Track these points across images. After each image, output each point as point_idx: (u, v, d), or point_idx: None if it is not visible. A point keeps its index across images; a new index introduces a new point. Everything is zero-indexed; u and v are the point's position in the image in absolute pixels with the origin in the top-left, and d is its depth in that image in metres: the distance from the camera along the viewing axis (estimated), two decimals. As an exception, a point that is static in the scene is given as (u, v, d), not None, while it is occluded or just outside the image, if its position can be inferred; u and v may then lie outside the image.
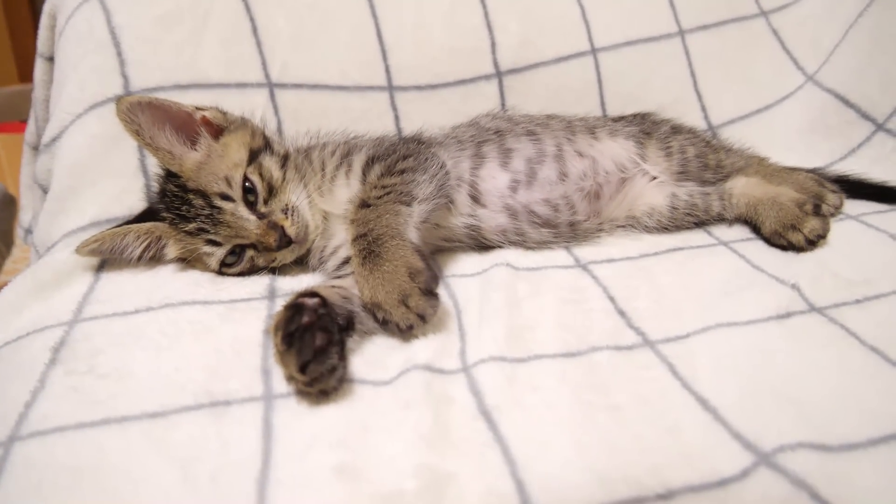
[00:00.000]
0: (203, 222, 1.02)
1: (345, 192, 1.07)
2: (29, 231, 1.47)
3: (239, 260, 1.05)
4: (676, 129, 1.35)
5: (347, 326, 0.87)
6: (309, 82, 1.36)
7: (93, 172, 1.21)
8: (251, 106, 1.24)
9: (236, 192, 1.02)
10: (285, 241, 1.02)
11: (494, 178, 1.16)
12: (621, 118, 1.41)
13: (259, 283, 1.04)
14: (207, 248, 1.04)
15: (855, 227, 1.20)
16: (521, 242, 1.15)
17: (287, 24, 1.37)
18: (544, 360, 0.84)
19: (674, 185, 1.26)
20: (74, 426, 0.72)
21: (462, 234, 1.14)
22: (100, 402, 0.76)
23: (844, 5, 1.65)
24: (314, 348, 0.75)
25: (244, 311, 0.95)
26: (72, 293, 1.00)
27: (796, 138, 1.57)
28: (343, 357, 0.80)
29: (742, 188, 1.26)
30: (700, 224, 1.25)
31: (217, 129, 1.09)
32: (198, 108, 1.08)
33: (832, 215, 1.24)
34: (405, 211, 0.96)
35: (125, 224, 1.09)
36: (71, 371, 0.81)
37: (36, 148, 1.46)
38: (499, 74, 1.47)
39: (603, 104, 1.53)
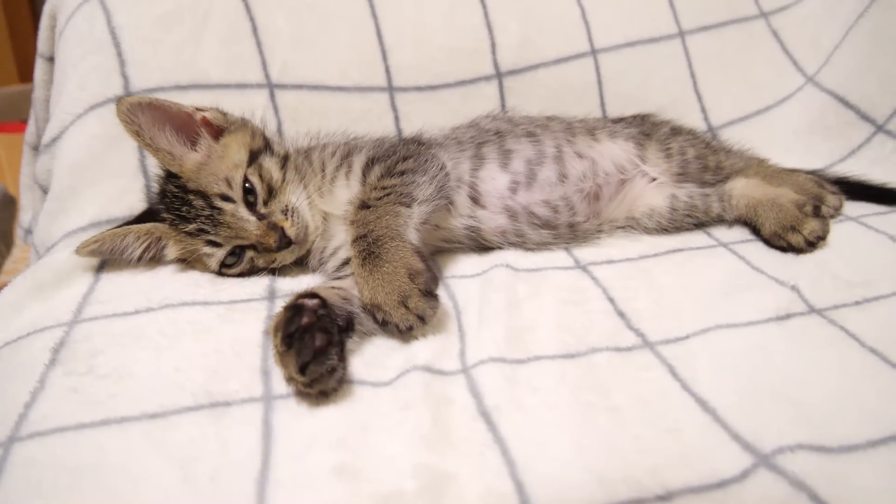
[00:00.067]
0: (203, 223, 1.02)
1: (345, 193, 1.07)
2: (29, 231, 1.47)
3: (239, 261, 1.05)
4: (676, 131, 1.35)
5: (347, 327, 0.88)
6: (309, 83, 1.36)
7: (93, 173, 1.21)
8: (251, 106, 1.24)
9: (236, 193, 1.02)
10: (285, 242, 1.02)
11: (494, 180, 1.16)
12: (621, 119, 1.41)
13: (259, 283, 1.04)
14: (207, 249, 1.04)
15: (854, 228, 1.20)
16: (521, 243, 1.15)
17: (287, 24, 1.37)
18: (544, 361, 0.84)
19: (673, 186, 1.26)
20: (74, 427, 0.72)
21: (462, 235, 1.14)
22: (99, 402, 0.76)
23: (844, 6, 1.65)
24: (314, 349, 0.75)
25: (244, 311, 0.95)
26: (72, 294, 1.00)
27: (796, 139, 1.58)
28: (343, 358, 0.80)
29: (742, 189, 1.26)
30: (700, 225, 1.25)
31: (217, 130, 1.09)
32: (198, 109, 1.08)
33: (832, 217, 1.24)
34: (405, 212, 0.96)
35: (125, 225, 1.09)
36: (71, 371, 0.81)
37: (36, 148, 1.46)
38: (499, 75, 1.47)
39: (603, 105, 1.53)
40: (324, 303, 0.84)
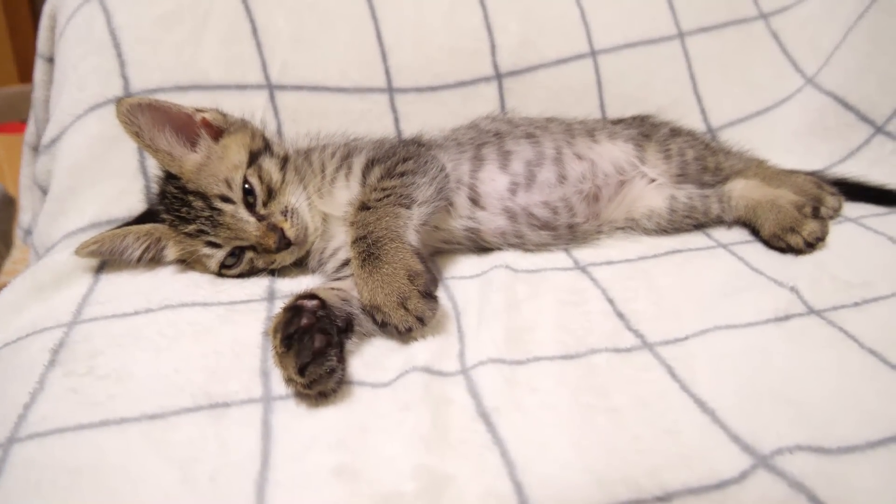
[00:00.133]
0: (203, 224, 1.02)
1: (344, 194, 1.07)
2: (28, 232, 1.47)
3: (238, 262, 1.05)
4: (675, 132, 1.35)
5: (346, 328, 0.88)
6: (309, 83, 1.36)
7: (92, 173, 1.21)
8: (251, 107, 1.24)
9: (236, 194, 1.02)
10: (284, 243, 1.02)
11: (494, 181, 1.16)
12: (620, 121, 1.41)
13: (258, 284, 1.04)
14: (207, 250, 1.04)
15: (854, 229, 1.20)
16: (521, 244, 1.16)
17: (287, 25, 1.38)
18: (543, 362, 0.84)
19: (673, 187, 1.26)
20: (74, 427, 0.72)
21: (461, 237, 1.14)
22: (99, 403, 0.76)
23: (844, 7, 1.65)
24: (313, 350, 0.76)
25: (243, 312, 0.95)
26: (71, 294, 1.00)
27: (795, 140, 1.57)
28: (342, 359, 0.80)
29: (741, 190, 1.26)
30: (699, 226, 1.25)
31: (217, 131, 1.09)
32: (198, 110, 1.08)
33: (831, 218, 1.24)
34: (405, 213, 0.96)
35: (125, 225, 1.09)
36: (70, 372, 0.81)
37: (36, 149, 1.46)
38: (498, 76, 1.47)
39: (602, 106, 1.53)
40: (323, 304, 0.84)
